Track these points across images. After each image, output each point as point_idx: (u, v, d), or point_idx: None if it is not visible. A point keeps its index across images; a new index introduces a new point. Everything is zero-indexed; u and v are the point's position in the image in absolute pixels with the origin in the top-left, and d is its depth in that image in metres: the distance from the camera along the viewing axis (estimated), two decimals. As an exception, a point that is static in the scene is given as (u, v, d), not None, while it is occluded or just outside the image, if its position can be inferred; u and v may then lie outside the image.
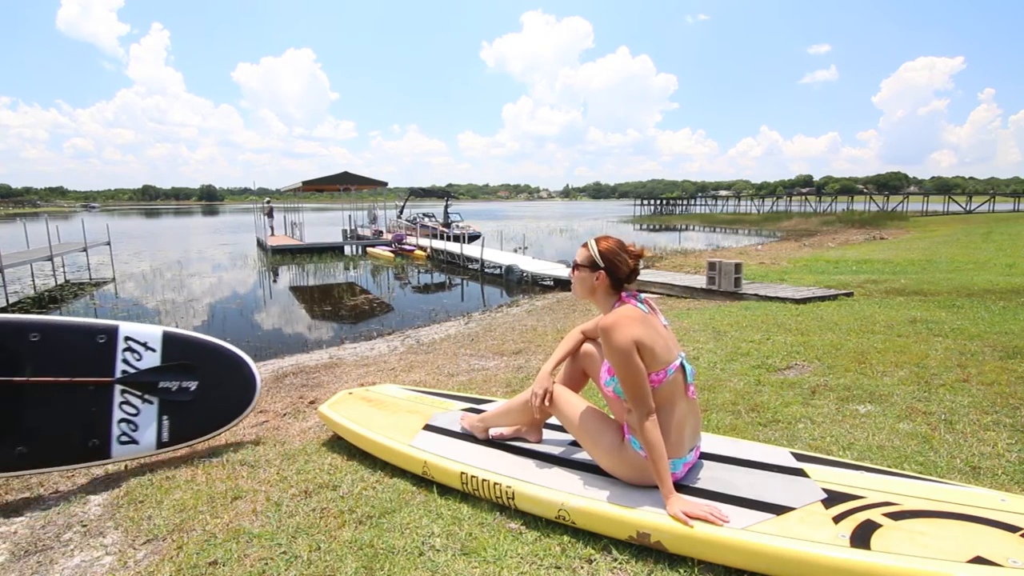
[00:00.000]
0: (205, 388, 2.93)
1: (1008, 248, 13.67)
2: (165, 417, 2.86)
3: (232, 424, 2.99)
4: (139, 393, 2.82)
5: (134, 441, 2.80)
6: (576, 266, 2.07)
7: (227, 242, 28.11)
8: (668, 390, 1.92)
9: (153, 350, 2.87)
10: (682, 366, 1.96)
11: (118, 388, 2.78)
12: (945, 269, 9.97)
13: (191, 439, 2.92)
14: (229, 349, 3.08)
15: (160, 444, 2.85)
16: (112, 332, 2.84)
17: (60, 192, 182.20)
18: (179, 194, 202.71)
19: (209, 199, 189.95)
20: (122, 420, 2.78)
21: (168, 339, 2.91)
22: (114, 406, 2.78)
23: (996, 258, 11.56)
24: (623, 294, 2.01)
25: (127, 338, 2.85)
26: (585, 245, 2.05)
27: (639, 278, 2.11)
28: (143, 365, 2.84)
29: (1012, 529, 1.59)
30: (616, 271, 1.99)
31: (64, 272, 15.49)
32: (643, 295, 2.06)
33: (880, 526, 1.64)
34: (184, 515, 2.24)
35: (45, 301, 11.52)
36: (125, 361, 2.82)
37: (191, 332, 3.07)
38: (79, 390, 2.73)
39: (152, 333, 2.90)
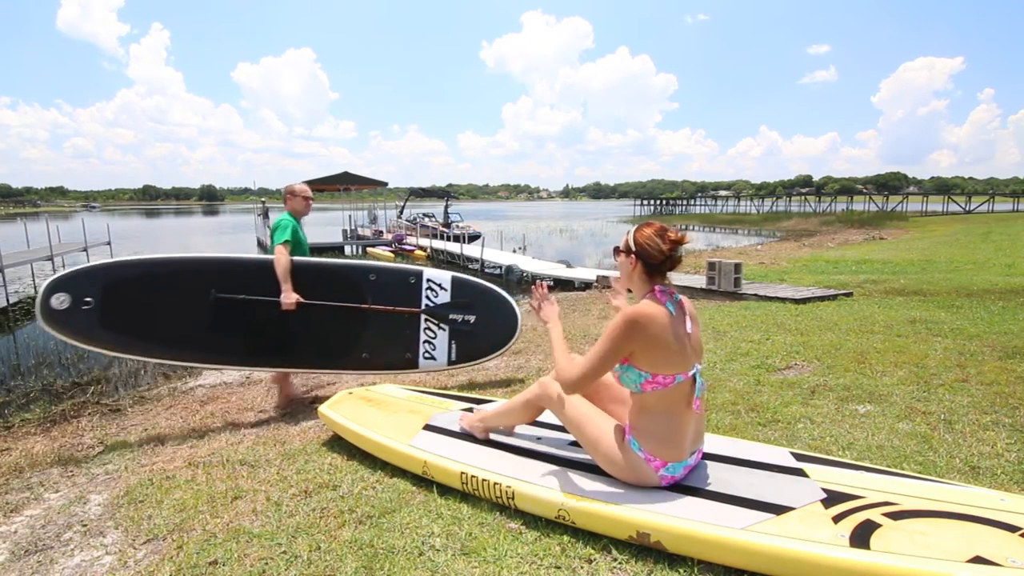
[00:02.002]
0: (479, 322, 3.79)
1: (1007, 248, 13.67)
2: (453, 342, 3.75)
3: (500, 352, 3.84)
4: (436, 322, 3.75)
5: (433, 358, 3.73)
6: (616, 250, 2.03)
7: (227, 242, 28.09)
8: (671, 397, 1.89)
9: (445, 289, 3.79)
10: (693, 378, 1.92)
11: (423, 317, 3.74)
12: (944, 269, 9.98)
13: (471, 360, 3.80)
14: (498, 292, 3.92)
15: (450, 362, 3.76)
16: (419, 275, 3.81)
17: (60, 192, 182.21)
18: (179, 194, 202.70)
19: (209, 199, 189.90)
20: (425, 341, 3.72)
21: (455, 281, 3.84)
22: (421, 330, 3.74)
23: (995, 258, 11.57)
24: (657, 288, 1.94)
25: (428, 279, 3.78)
26: (628, 232, 2.01)
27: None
28: (438, 301, 3.77)
29: (1012, 529, 1.59)
30: (648, 257, 1.91)
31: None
32: (680, 296, 1.98)
33: (880, 526, 1.64)
34: (184, 515, 2.24)
35: (45, 301, 11.53)
36: (427, 297, 3.76)
37: (471, 277, 3.97)
38: (399, 316, 3.72)
39: (445, 276, 3.85)
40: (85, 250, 17.03)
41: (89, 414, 4.36)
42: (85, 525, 2.28)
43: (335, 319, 3.64)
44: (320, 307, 3.59)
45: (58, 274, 3.30)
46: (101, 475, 2.86)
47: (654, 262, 1.92)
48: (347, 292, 3.68)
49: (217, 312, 3.44)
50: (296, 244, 3.66)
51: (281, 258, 3.47)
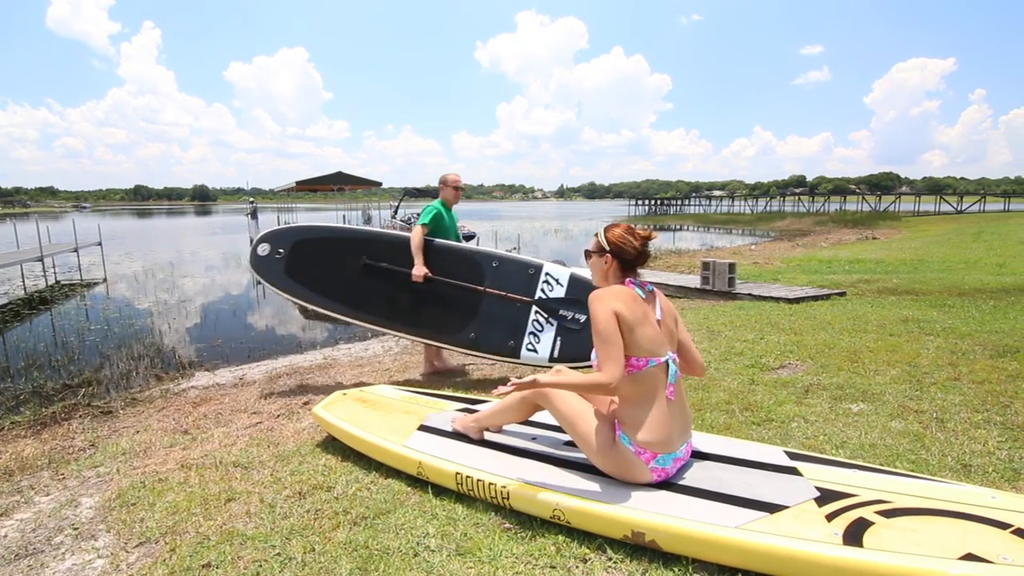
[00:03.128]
0: (589, 323, 3.48)
1: (998, 248, 13.78)
2: (559, 338, 3.77)
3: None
4: (546, 315, 3.83)
5: (535, 351, 3.78)
6: (587, 253, 2.14)
7: (219, 242, 27.97)
8: (649, 383, 1.95)
9: (561, 285, 3.87)
10: (667, 365, 1.97)
11: (534, 308, 3.84)
12: (936, 269, 10.05)
13: (574, 361, 3.64)
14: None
15: (551, 359, 3.75)
16: (539, 267, 3.95)
17: (50, 192, 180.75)
18: (171, 194, 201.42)
19: (202, 199, 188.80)
20: (531, 333, 3.80)
21: (572, 279, 3.88)
22: (529, 320, 3.84)
23: (987, 258, 11.66)
24: (628, 280, 2.04)
25: (547, 273, 3.91)
26: (596, 234, 2.12)
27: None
28: (552, 295, 3.84)
29: (1003, 526, 1.60)
30: (623, 253, 2.04)
31: (55, 273, 15.36)
32: (652, 286, 2.08)
33: (872, 524, 1.65)
34: (177, 517, 2.22)
35: (35, 302, 11.42)
36: (542, 289, 3.87)
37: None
38: (511, 304, 3.89)
39: (564, 272, 3.93)
40: (76, 251, 16.89)
41: (80, 416, 4.32)
42: (76, 528, 2.26)
43: (455, 297, 3.97)
44: (444, 283, 3.97)
45: (268, 230, 4.16)
46: (92, 478, 2.83)
47: (629, 257, 2.04)
48: (470, 274, 3.98)
49: (364, 275, 4.03)
50: (438, 228, 4.14)
51: (415, 236, 3.96)
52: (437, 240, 4.11)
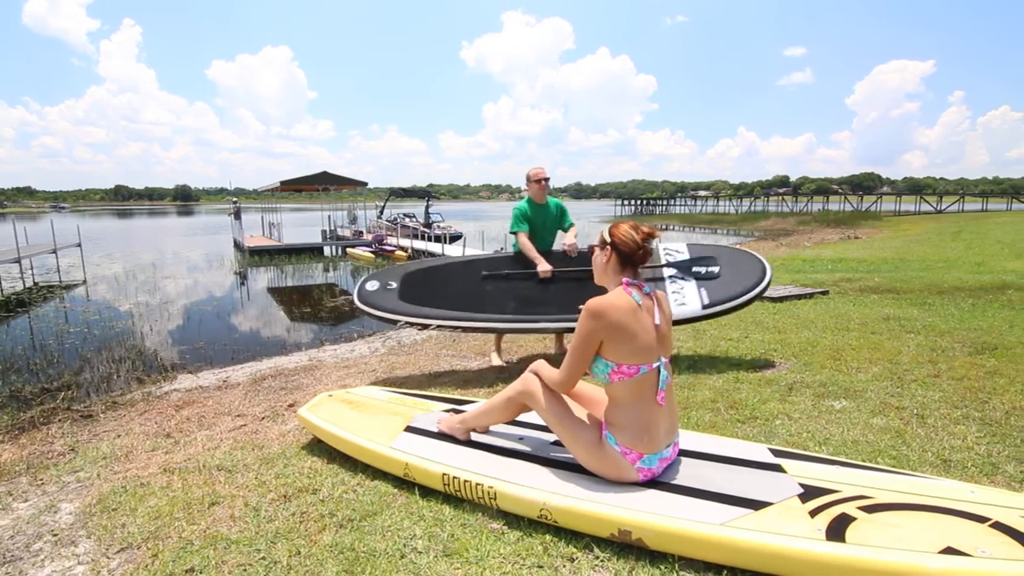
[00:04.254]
0: (725, 271, 4.14)
1: (977, 247, 14.04)
2: (702, 288, 4.07)
3: (757, 291, 3.98)
4: (680, 274, 4.21)
5: (685, 304, 4.02)
6: (591, 248, 2.19)
7: (202, 243, 27.62)
8: (636, 387, 1.95)
9: (682, 253, 4.37)
10: (658, 371, 1.97)
11: (666, 270, 4.25)
12: (917, 267, 10.21)
13: (727, 303, 3.95)
14: (734, 247, 4.65)
15: (704, 306, 3.99)
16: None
17: (28, 192, 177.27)
18: (153, 194, 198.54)
19: (184, 199, 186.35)
20: (673, 292, 4.12)
21: (691, 247, 4.42)
22: (665, 282, 4.20)
23: (965, 256, 11.87)
24: (626, 280, 2.04)
25: (664, 248, 4.44)
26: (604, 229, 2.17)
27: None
28: (680, 259, 4.30)
29: (981, 520, 1.63)
30: (622, 246, 2.05)
31: (33, 274, 15.07)
32: (650, 289, 2.07)
33: (855, 519, 1.67)
34: (159, 522, 2.19)
35: (13, 304, 11.19)
36: (666, 258, 4.35)
37: (710, 243, 4.66)
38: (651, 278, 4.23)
39: (680, 244, 4.49)
40: (55, 251, 16.59)
41: (60, 420, 4.24)
42: (56, 535, 2.22)
43: (577, 284, 4.19)
44: (567, 272, 4.26)
45: (371, 272, 4.56)
46: (72, 483, 2.78)
47: (627, 251, 2.04)
48: (587, 261, 4.27)
49: (482, 285, 4.36)
50: (531, 226, 4.36)
51: (523, 241, 4.31)
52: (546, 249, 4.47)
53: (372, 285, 4.40)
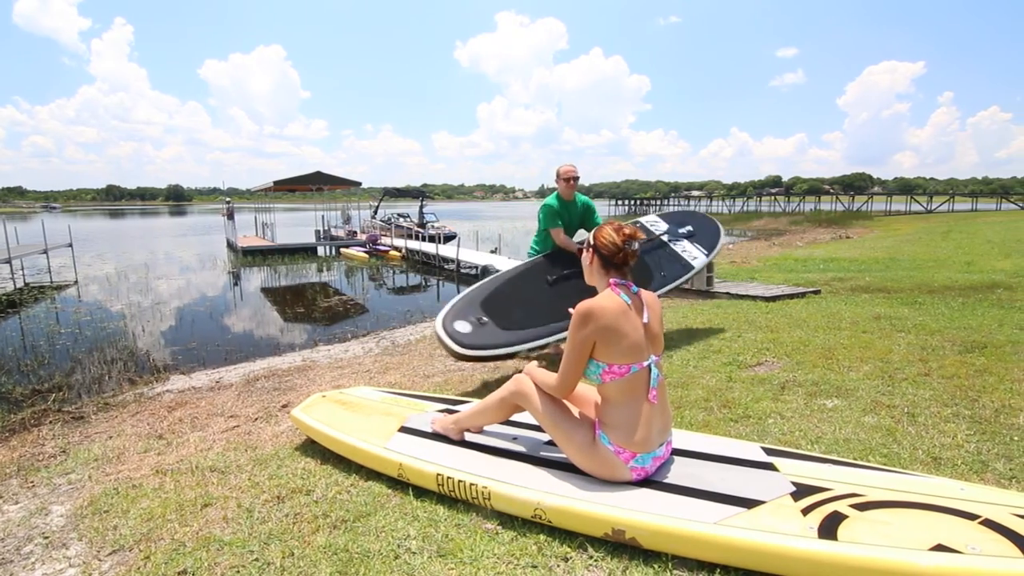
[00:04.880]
0: (697, 228, 5.21)
1: (966, 246, 14.16)
2: (695, 243, 5.02)
3: (722, 241, 5.25)
4: (675, 238, 5.08)
5: (697, 257, 4.92)
6: (579, 251, 2.20)
7: (195, 243, 27.47)
8: (628, 386, 1.96)
9: (661, 222, 5.28)
10: (649, 369, 1.98)
11: (666, 239, 5.08)
12: (907, 267, 10.29)
13: (714, 249, 5.03)
14: (706, 216, 5.50)
15: (706, 255, 4.97)
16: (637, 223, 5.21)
17: (18, 192, 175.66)
18: (145, 194, 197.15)
19: (176, 199, 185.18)
20: (683, 251, 4.96)
21: (662, 216, 5.44)
22: (673, 247, 5.02)
23: (955, 256, 11.97)
24: (613, 281, 2.04)
25: (643, 224, 5.17)
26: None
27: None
28: (661, 231, 5.16)
29: (971, 517, 1.65)
30: (602, 248, 2.07)
31: (23, 275, 14.93)
32: (638, 289, 2.08)
33: (847, 517, 1.68)
34: (152, 524, 2.18)
35: (3, 305, 11.09)
36: (658, 231, 5.16)
37: (688, 212, 5.79)
38: (655, 252, 4.97)
39: (654, 218, 5.37)
40: (45, 252, 16.45)
41: (51, 422, 4.21)
42: (47, 537, 2.20)
43: None
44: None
45: (443, 315, 3.84)
46: (64, 485, 2.76)
47: (607, 253, 2.06)
48: None
49: (550, 291, 4.34)
50: (561, 221, 4.48)
51: (560, 237, 4.45)
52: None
53: (464, 327, 3.75)
